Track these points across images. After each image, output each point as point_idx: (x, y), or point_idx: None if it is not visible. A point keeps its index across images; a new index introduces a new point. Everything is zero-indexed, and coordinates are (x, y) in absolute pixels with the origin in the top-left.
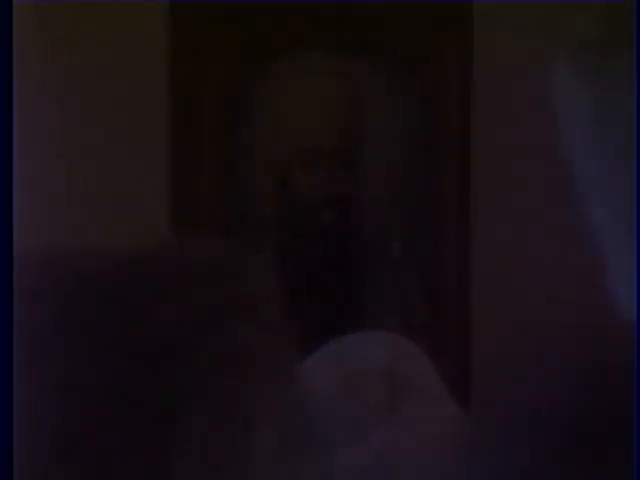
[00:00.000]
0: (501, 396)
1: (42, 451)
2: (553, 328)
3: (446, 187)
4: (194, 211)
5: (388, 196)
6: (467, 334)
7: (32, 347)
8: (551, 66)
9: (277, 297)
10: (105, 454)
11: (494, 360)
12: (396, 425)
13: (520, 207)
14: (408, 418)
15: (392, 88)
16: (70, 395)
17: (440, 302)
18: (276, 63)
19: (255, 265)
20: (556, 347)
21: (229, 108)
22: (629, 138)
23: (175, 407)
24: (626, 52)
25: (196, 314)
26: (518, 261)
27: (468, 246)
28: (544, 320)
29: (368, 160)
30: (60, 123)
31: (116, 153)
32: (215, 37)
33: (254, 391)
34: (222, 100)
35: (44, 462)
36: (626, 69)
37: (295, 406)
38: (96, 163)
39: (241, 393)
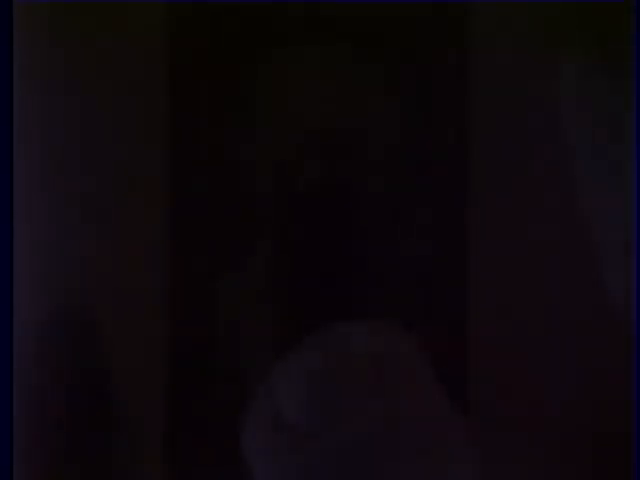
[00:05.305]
0: (500, 394)
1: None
2: (552, 327)
3: (444, 183)
4: (194, 208)
5: (388, 186)
6: (465, 333)
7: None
8: (551, 66)
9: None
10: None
11: (492, 358)
12: (382, 407)
13: (519, 204)
14: (394, 401)
15: (392, 82)
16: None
17: (437, 295)
18: (276, 60)
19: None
20: (555, 345)
21: (229, 105)
22: (629, 137)
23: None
24: (626, 52)
25: None
26: (517, 256)
27: (466, 242)
28: (543, 319)
29: (368, 153)
30: (60, 123)
31: (115, 152)
32: (215, 36)
33: None
34: (222, 97)
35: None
36: (626, 69)
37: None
38: (95, 162)
39: None
